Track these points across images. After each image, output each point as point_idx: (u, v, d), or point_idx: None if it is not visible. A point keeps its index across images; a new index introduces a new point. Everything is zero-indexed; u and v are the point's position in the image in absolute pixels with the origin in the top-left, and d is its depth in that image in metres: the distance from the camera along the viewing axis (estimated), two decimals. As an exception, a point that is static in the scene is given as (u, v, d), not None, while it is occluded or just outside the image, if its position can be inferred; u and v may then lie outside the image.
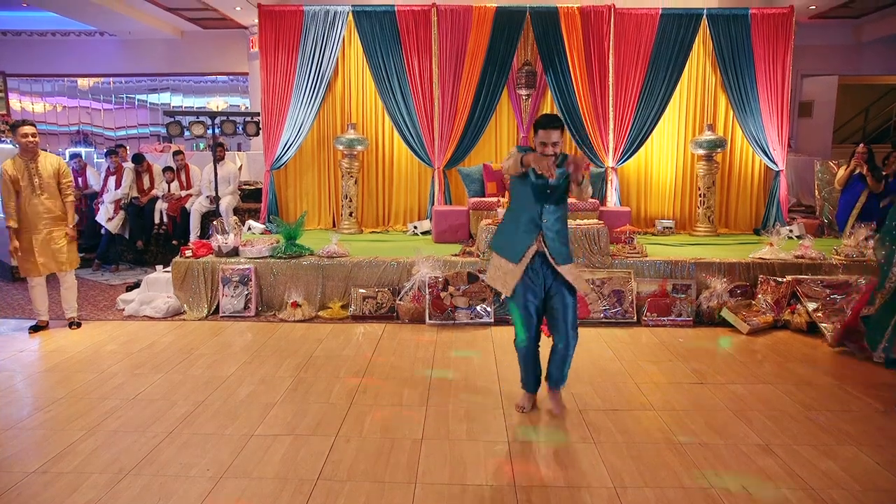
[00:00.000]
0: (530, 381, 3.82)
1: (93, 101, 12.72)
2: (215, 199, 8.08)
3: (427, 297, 5.74)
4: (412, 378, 4.39)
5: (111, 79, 12.52)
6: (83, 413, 3.79)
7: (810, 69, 10.50)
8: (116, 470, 3.12)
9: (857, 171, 7.27)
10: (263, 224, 8.05)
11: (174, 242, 8.34)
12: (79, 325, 5.66)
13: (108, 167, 8.65)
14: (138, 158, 8.71)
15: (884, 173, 7.23)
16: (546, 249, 3.48)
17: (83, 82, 12.64)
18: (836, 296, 5.50)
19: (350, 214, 8.24)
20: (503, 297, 3.71)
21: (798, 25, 8.26)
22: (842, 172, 7.50)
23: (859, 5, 9.20)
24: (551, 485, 3.00)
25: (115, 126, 12.78)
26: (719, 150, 7.99)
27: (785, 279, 5.76)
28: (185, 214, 8.50)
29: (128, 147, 9.93)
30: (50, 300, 5.67)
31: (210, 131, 7.71)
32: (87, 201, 8.98)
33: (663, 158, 8.60)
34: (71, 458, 3.25)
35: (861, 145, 7.36)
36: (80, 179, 8.98)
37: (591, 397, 4.03)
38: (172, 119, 7.65)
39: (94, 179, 9.04)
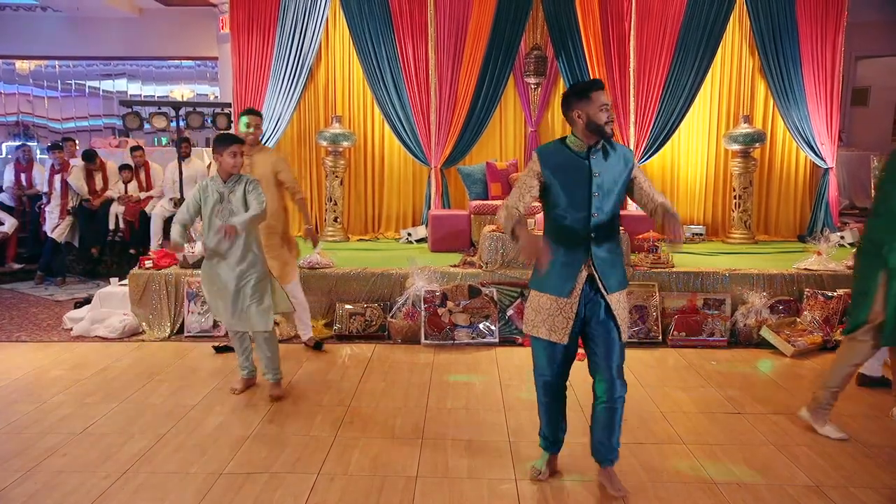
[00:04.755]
0: (553, 431, 3.37)
1: (34, 87, 12.67)
2: (180, 202, 8.08)
3: (422, 313, 5.73)
4: (405, 406, 4.38)
5: (56, 62, 12.45)
6: (20, 451, 3.75)
7: (866, 50, 10.46)
8: (63, 514, 3.10)
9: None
10: (234, 230, 8.04)
11: (132, 251, 8.34)
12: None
13: (53, 164, 8.62)
14: (89, 155, 8.70)
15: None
16: (596, 273, 3.09)
17: (22, 65, 12.55)
18: None
19: (335, 220, 8.25)
20: (525, 331, 3.33)
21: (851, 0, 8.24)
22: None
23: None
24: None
25: (62, 117, 12.74)
26: (757, 145, 8.01)
27: (836, 293, 5.76)
28: (145, 219, 8.50)
29: (77, 141, 9.92)
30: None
31: (174, 124, 7.75)
32: (31, 203, 8.97)
33: (692, 155, 8.62)
34: None
35: None
36: (24, 176, 8.95)
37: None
38: (130, 110, 7.69)
39: (39, 178, 9.00)
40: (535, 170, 3.12)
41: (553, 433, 3.37)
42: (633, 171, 3.16)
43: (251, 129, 5.18)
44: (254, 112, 5.31)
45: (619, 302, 3.14)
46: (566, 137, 3.15)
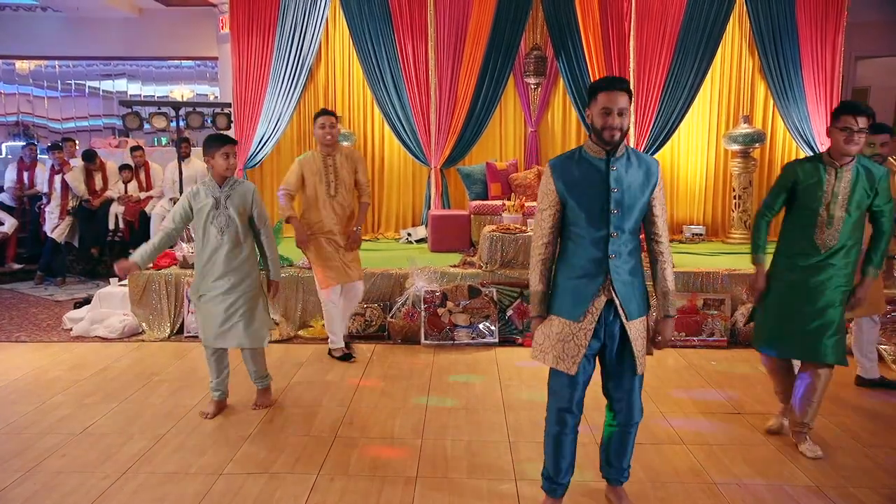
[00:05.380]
0: (560, 474, 3.00)
1: (34, 87, 12.68)
2: (179, 202, 8.07)
3: (422, 313, 5.73)
4: (405, 407, 4.37)
5: (56, 62, 12.44)
6: (19, 451, 3.74)
7: (866, 50, 10.45)
8: (62, 514, 3.10)
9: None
10: (234, 230, 8.04)
11: (131, 251, 8.29)
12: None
13: (52, 165, 8.62)
14: (89, 155, 8.70)
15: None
16: (616, 298, 2.83)
17: (22, 65, 12.56)
18: (894, 314, 5.49)
19: (334, 219, 8.24)
20: (532, 355, 3.02)
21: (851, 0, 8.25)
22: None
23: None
24: (566, 531, 2.99)
25: (62, 117, 12.75)
26: (757, 145, 8.02)
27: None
28: (145, 219, 8.50)
29: (77, 141, 9.91)
30: None
31: (174, 124, 7.72)
32: (31, 203, 8.96)
33: (692, 155, 8.63)
34: None
35: None
36: (26, 174, 8.93)
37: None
38: (130, 110, 7.65)
39: (41, 178, 8.97)
40: (548, 190, 2.85)
41: (558, 473, 2.99)
42: (655, 192, 2.85)
43: (328, 130, 5.02)
44: (328, 112, 5.12)
45: (637, 331, 2.88)
46: (584, 145, 2.87)
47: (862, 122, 3.39)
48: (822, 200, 3.49)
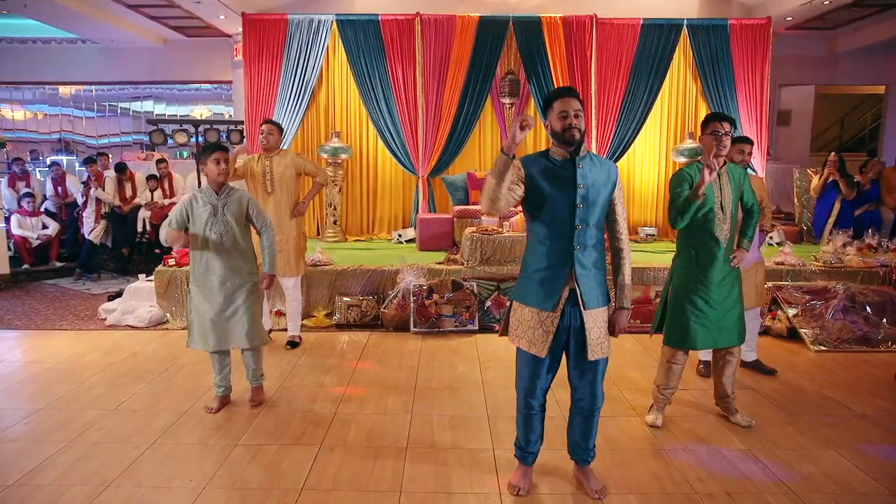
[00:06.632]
0: (530, 445, 2.99)
1: (74, 108, 12.62)
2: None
3: (411, 305, 5.72)
4: (397, 386, 4.37)
5: (93, 87, 12.43)
6: (63, 425, 3.73)
7: (788, 79, 10.70)
8: (97, 482, 3.07)
9: (831, 179, 7.38)
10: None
11: (157, 251, 8.26)
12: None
13: (89, 176, 8.54)
14: (121, 167, 8.62)
15: (856, 180, 7.35)
16: (578, 288, 2.75)
17: (65, 90, 12.53)
18: (815, 301, 5.57)
19: (334, 223, 8.21)
20: (510, 340, 2.91)
21: (775, 36, 8.41)
22: (816, 181, 7.61)
23: (834, 18, 9.38)
24: (535, 492, 3.00)
25: (98, 134, 12.70)
26: (700, 157, 8.04)
27: (765, 286, 5.80)
28: (168, 223, 8.42)
29: (110, 155, 9.84)
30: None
31: (193, 139, 7.67)
32: (69, 210, 8.88)
33: (646, 167, 8.67)
34: (50, 470, 3.20)
35: (832, 154, 7.47)
36: (59, 188, 8.89)
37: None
38: (155, 127, 7.60)
39: (74, 188, 8.91)
40: (518, 174, 2.67)
41: (528, 444, 2.99)
42: (615, 192, 2.77)
43: (265, 136, 5.04)
44: (268, 121, 5.14)
45: (594, 319, 2.77)
46: (549, 149, 2.77)
47: (727, 126, 3.43)
48: (716, 198, 3.48)
